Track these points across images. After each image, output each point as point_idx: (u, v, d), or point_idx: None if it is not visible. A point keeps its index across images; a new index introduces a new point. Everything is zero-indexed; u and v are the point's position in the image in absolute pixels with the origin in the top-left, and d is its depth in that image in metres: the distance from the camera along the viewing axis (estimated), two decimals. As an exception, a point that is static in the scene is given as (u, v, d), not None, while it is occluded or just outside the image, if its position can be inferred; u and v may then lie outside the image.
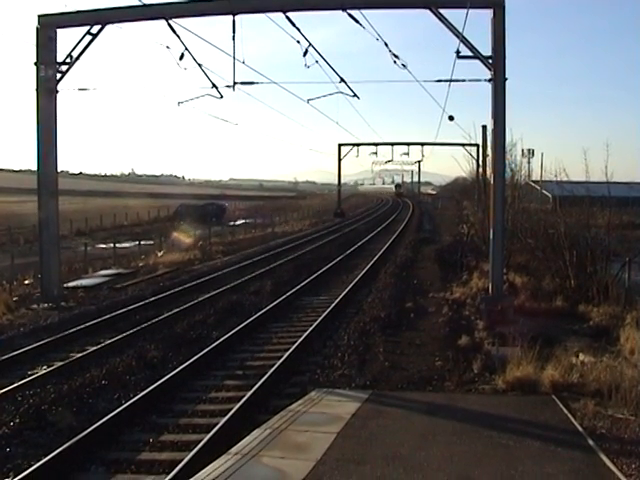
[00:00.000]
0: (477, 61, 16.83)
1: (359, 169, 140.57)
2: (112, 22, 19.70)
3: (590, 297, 17.29)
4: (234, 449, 8.16)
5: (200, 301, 19.88)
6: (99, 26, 19.66)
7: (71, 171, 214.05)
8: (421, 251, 34.16)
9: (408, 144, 69.59)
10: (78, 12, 20.19)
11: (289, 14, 17.69)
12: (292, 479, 7.31)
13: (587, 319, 15.92)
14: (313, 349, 14.41)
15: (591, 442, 8.41)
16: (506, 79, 16.75)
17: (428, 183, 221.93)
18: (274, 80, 21.72)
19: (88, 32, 19.72)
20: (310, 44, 18.27)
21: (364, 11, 17.35)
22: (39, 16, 20.29)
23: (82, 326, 16.30)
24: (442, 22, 16.85)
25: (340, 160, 74.29)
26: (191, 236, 41.76)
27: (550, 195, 39.14)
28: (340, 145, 73.58)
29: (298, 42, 18.19)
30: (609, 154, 19.66)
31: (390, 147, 70.97)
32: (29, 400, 10.88)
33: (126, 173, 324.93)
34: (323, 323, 16.40)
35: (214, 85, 20.37)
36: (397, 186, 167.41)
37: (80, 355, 13.82)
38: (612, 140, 20.65)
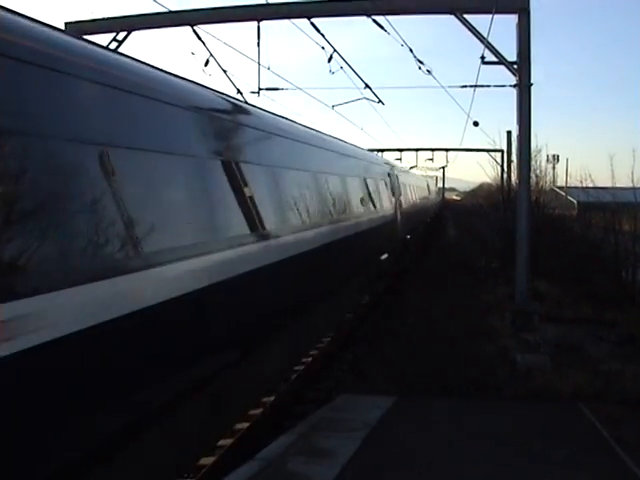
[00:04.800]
0: (502, 66, 16.74)
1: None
2: (138, 29, 19.88)
3: (617, 304, 17.12)
4: (259, 455, 8.15)
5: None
6: (125, 33, 19.87)
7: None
8: (445, 257, 33.93)
9: (432, 150, 69.04)
10: (104, 19, 20.42)
11: (313, 20, 17.71)
12: (317, 485, 7.30)
13: (614, 326, 15.76)
14: (338, 356, 14.39)
15: (619, 450, 8.31)
16: (531, 84, 16.62)
17: (452, 189, 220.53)
18: (299, 86, 21.74)
19: (114, 39, 19.93)
20: (335, 50, 18.24)
21: (389, 17, 17.34)
22: (66, 24, 20.49)
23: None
24: (467, 28, 16.76)
25: (364, 166, 73.98)
26: None
27: (575, 201, 38.75)
28: (365, 151, 73.34)
29: (323, 48, 18.17)
30: (635, 159, 19.52)
31: (414, 153, 70.46)
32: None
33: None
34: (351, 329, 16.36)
35: (239, 91, 20.41)
36: None
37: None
38: (639, 145, 20.55)
